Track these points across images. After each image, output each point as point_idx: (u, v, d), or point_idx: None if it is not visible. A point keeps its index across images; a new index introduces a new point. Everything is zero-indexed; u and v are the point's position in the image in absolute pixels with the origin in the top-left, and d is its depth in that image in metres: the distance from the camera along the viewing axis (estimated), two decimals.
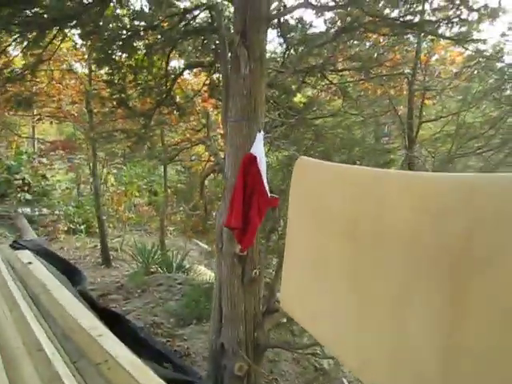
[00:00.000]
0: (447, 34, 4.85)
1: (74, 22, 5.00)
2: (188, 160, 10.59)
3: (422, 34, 5.04)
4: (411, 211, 1.53)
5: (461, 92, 6.48)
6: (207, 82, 6.67)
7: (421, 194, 1.52)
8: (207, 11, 5.67)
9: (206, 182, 10.10)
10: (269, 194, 3.33)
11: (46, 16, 4.24)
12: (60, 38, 6.38)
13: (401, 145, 6.20)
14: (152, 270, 8.32)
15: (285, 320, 4.53)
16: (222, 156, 5.01)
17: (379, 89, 7.05)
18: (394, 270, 1.58)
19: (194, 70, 7.53)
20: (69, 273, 5.14)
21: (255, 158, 3.29)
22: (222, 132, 8.53)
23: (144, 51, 6.19)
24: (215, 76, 6.35)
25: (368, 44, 6.34)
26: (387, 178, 1.83)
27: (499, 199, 1.28)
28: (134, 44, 6.05)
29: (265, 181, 3.30)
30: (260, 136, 3.33)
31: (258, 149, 3.32)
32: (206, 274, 9.34)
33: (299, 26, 5.57)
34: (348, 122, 6.59)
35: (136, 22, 5.85)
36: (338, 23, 5.63)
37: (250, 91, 3.75)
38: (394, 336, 1.57)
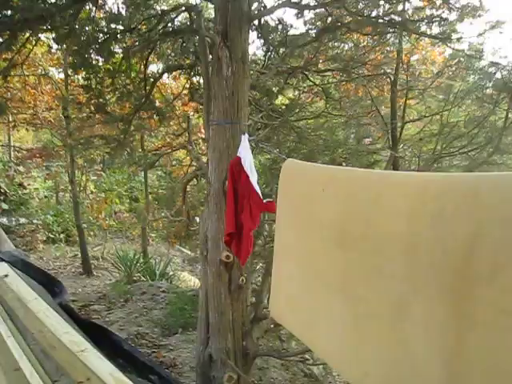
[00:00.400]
0: (428, 33, 4.84)
1: (48, 24, 4.84)
2: (169, 165, 10.41)
3: (404, 33, 5.00)
4: (408, 214, 1.43)
5: (443, 91, 6.49)
6: (187, 85, 6.56)
7: (418, 196, 1.42)
8: (186, 13, 5.58)
9: (188, 188, 9.96)
10: (262, 198, 3.22)
11: (16, 18, 4.06)
12: (33, 42, 6.21)
13: (384, 145, 6.17)
14: (135, 278, 8.12)
15: (272, 326, 4.41)
16: (205, 160, 4.90)
17: (361, 89, 7.03)
18: (391, 279, 1.49)
19: (174, 74, 7.38)
20: (48, 284, 4.94)
21: (242, 161, 3.19)
22: (203, 136, 8.42)
23: (122, 55, 6.05)
24: (195, 79, 6.24)
25: (349, 45, 6.31)
26: (381, 179, 1.74)
27: (506, 200, 1.20)
28: (111, 47, 5.92)
29: (255, 184, 3.19)
30: (245, 138, 3.23)
31: (244, 151, 3.21)
32: (190, 280, 9.20)
33: (280, 27, 5.50)
34: (331, 123, 6.55)
35: (113, 25, 5.71)
36: (319, 24, 5.59)
37: (233, 93, 3.65)
38: (394, 349, 1.48)
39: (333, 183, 2.02)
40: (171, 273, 8.97)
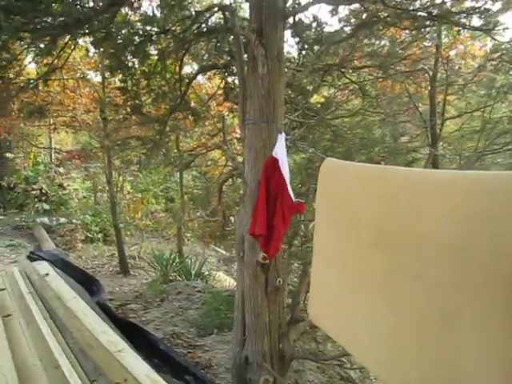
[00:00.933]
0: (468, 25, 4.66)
1: (85, 28, 4.93)
2: (204, 165, 10.46)
3: (444, 27, 4.83)
4: (456, 215, 1.34)
5: (484, 86, 6.24)
6: (222, 85, 6.56)
7: (468, 195, 1.33)
8: (220, 13, 5.57)
9: (224, 188, 9.98)
10: (293, 199, 3.17)
11: (55, 23, 4.14)
12: (72, 47, 6.35)
13: (423, 143, 5.98)
14: (170, 277, 8.20)
15: (308, 328, 4.35)
16: (240, 160, 4.87)
17: (398, 86, 6.85)
18: (436, 284, 1.39)
19: (208, 74, 7.41)
20: (87, 283, 5.05)
21: (277, 160, 3.14)
22: (238, 136, 8.41)
23: (157, 56, 6.11)
24: (230, 79, 6.23)
25: (386, 41, 6.16)
26: (425, 178, 1.65)
27: None
28: (147, 49, 5.98)
29: (288, 185, 3.14)
30: (281, 138, 3.17)
31: (280, 151, 3.16)
32: (225, 280, 9.22)
33: (314, 24, 5.42)
34: (367, 121, 6.41)
35: (148, 27, 5.77)
36: (353, 21, 5.47)
37: (269, 92, 3.60)
38: (439, 360, 1.39)
39: (373, 182, 1.94)
40: (206, 273, 9.01)
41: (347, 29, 5.39)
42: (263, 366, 3.61)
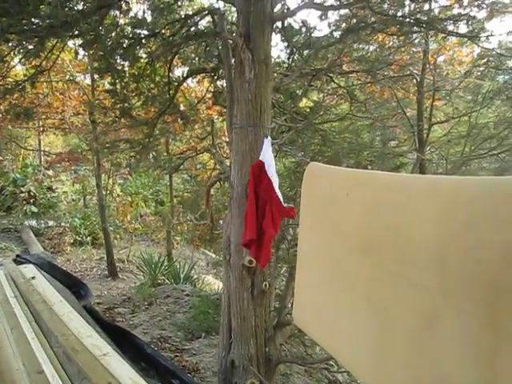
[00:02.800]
0: (455, 32, 4.72)
1: (73, 30, 4.91)
2: (194, 169, 10.45)
3: (431, 33, 4.88)
4: (438, 221, 1.36)
5: (471, 92, 6.32)
6: (211, 88, 6.57)
7: (449, 201, 1.34)
8: (209, 16, 5.59)
9: (213, 191, 9.97)
10: (283, 203, 3.17)
11: (43, 25, 4.13)
12: (60, 49, 6.33)
13: (410, 148, 6.03)
14: (159, 281, 8.17)
15: (296, 331, 4.35)
16: (228, 164, 4.88)
17: (386, 91, 6.91)
18: (419, 289, 1.41)
19: (198, 77, 7.41)
20: (74, 287, 5.01)
21: (264, 164, 3.15)
22: (227, 139, 8.42)
23: (146, 59, 6.11)
24: (219, 82, 6.25)
25: (374, 46, 6.21)
26: (409, 183, 1.67)
27: None
28: (136, 52, 5.98)
29: (277, 189, 3.14)
30: (267, 142, 3.18)
31: (267, 155, 3.17)
32: (214, 283, 9.20)
33: (303, 29, 5.46)
34: (355, 125, 6.45)
35: (137, 30, 5.77)
36: (343, 26, 5.52)
37: (256, 96, 3.61)
38: (422, 363, 1.41)
39: (358, 187, 1.95)
40: (195, 276, 8.99)
41: (336, 34, 5.43)
42: (249, 370, 3.61)
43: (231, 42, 4.26)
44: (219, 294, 7.08)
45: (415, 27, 4.15)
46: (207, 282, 9.18)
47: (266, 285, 3.72)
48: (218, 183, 5.54)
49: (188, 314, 6.27)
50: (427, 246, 1.39)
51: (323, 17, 5.46)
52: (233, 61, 4.25)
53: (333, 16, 5.53)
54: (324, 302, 2.17)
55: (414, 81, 6.06)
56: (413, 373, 1.45)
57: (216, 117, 7.77)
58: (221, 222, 7.80)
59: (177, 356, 5.05)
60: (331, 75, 5.10)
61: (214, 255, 12.14)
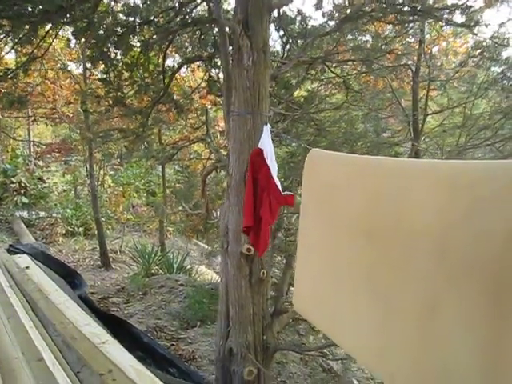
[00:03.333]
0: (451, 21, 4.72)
1: (67, 16, 4.84)
2: (186, 159, 10.40)
3: (427, 23, 4.88)
4: (440, 206, 1.34)
5: (465, 83, 6.34)
6: (205, 77, 6.52)
7: (449, 186, 1.33)
8: (204, 5, 5.54)
9: (207, 181, 9.93)
10: (281, 191, 3.17)
11: (37, 10, 4.06)
12: (53, 36, 6.24)
13: (405, 138, 6.05)
14: (153, 271, 8.15)
15: (291, 320, 4.37)
16: (224, 153, 4.85)
17: (381, 81, 6.91)
18: (421, 276, 1.40)
19: (192, 67, 7.35)
20: (68, 277, 4.99)
21: (263, 152, 3.13)
22: (221, 129, 8.38)
23: (140, 48, 6.05)
24: (214, 71, 6.20)
25: (369, 36, 6.20)
26: (411, 168, 1.65)
27: None
28: (129, 40, 5.92)
29: (275, 176, 3.14)
30: (266, 129, 3.17)
31: (266, 143, 3.16)
32: (207, 274, 9.21)
33: (298, 18, 5.43)
34: (350, 115, 6.45)
35: (131, 18, 5.70)
36: (337, 15, 5.49)
37: (254, 83, 3.59)
38: (423, 349, 1.40)
39: (359, 173, 1.94)
40: (189, 266, 8.97)
41: (331, 23, 5.41)
42: (247, 358, 3.62)
43: (228, 29, 4.22)
44: (213, 284, 7.10)
45: (413, 16, 4.14)
46: (200, 272, 9.18)
47: (263, 273, 3.72)
48: (213, 172, 5.52)
49: (183, 303, 6.28)
50: (429, 232, 1.37)
51: (318, 6, 5.45)
52: (230, 48, 4.22)
53: (328, 6, 5.52)
54: (325, 289, 2.17)
55: (409, 71, 6.07)
56: (416, 359, 1.45)
57: (210, 106, 7.71)
58: (214, 212, 7.79)
59: (173, 345, 5.06)
60: (328, 64, 5.07)
61: (206, 246, 12.14)
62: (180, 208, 11.57)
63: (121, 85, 6.35)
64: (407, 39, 6.33)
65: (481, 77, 6.16)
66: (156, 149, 8.60)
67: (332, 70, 5.52)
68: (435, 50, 6.87)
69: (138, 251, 8.91)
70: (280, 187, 3.07)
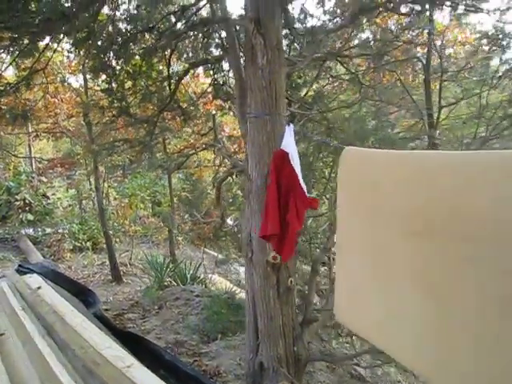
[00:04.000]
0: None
1: (68, 26, 4.69)
2: (193, 166, 10.22)
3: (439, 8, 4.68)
4: (500, 199, 1.24)
5: (477, 73, 6.17)
6: (210, 82, 6.35)
7: (502, 176, 1.24)
8: (207, 6, 5.39)
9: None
10: (306, 194, 2.99)
11: (39, 19, 3.90)
12: (53, 48, 6.11)
13: (419, 132, 5.86)
14: (166, 283, 7.94)
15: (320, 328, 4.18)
16: (239, 157, 4.69)
17: (388, 76, 6.75)
18: (492, 271, 1.27)
19: (196, 72, 7.18)
20: (81, 294, 4.79)
21: (287, 154, 2.96)
22: (227, 134, 8.21)
23: (142, 55, 5.91)
24: (219, 75, 6.03)
25: (377, 30, 6.05)
26: (461, 160, 1.53)
27: None
28: (131, 49, 5.79)
29: (301, 179, 2.96)
30: (289, 129, 2.99)
31: (289, 144, 2.98)
32: (220, 282, 9.01)
33: (302, 16, 5.27)
34: (361, 112, 6.29)
35: (132, 25, 5.57)
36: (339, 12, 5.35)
37: (270, 83, 3.42)
38: (499, 351, 1.26)
39: (406, 168, 1.82)
40: (202, 276, 8.77)
41: (335, 21, 5.26)
42: (279, 372, 3.43)
43: (237, 28, 4.07)
44: (230, 293, 6.90)
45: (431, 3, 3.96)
46: (214, 281, 8.99)
47: (291, 281, 3.53)
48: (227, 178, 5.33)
49: (200, 315, 6.07)
50: (496, 225, 1.27)
51: (320, 4, 5.31)
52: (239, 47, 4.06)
53: (328, 3, 5.36)
54: (372, 294, 2.02)
55: (418, 63, 5.90)
56: (486, 361, 1.31)
57: (214, 111, 7.54)
58: (227, 219, 7.62)
59: (196, 361, 4.84)
60: (341, 59, 4.90)
61: (215, 254, 12.01)
62: (187, 217, 11.44)
63: (124, 94, 6.21)
64: (415, 31, 6.17)
65: (493, 66, 6.00)
66: (162, 158, 8.45)
67: (341, 67, 5.34)
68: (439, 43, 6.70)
69: (149, 263, 8.70)
70: (305, 190, 2.90)
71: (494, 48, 5.93)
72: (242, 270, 11.78)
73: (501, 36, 5.61)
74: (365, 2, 3.91)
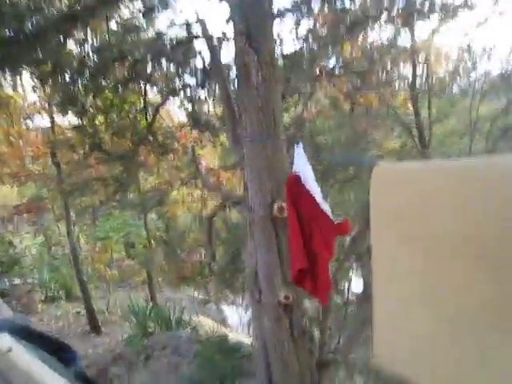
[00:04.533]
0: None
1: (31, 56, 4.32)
2: (170, 204, 9.69)
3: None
4: None
5: (460, 89, 6.11)
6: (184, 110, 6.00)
7: None
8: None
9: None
10: (332, 218, 2.62)
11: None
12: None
13: (412, 150, 5.67)
14: (150, 330, 7.32)
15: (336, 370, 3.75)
16: (226, 187, 4.32)
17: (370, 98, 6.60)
18: None
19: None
20: (58, 351, 4.25)
21: (299, 178, 2.61)
22: (205, 167, 7.81)
23: (113, 87, 5.58)
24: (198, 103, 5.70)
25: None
26: None
27: None
28: (101, 81, 5.47)
29: (323, 203, 2.59)
30: (299, 150, 2.65)
31: (301, 165, 2.63)
32: (206, 324, 8.45)
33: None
34: (348, 133, 6.08)
35: (101, 56, 5.24)
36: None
37: (267, 102, 3.09)
38: None
39: (466, 181, 1.46)
40: (186, 319, 8.16)
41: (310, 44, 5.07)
42: None
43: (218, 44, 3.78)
44: (220, 336, 6.39)
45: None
46: (200, 323, 8.41)
47: (306, 323, 3.12)
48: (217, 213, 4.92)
49: (193, 364, 5.51)
50: None
51: (297, 25, 5.12)
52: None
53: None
54: (421, 335, 1.63)
55: (406, 81, 5.77)
56: None
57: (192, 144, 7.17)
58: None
59: None
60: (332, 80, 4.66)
61: (195, 294, 11.50)
62: (165, 257, 10.89)
63: (96, 129, 5.82)
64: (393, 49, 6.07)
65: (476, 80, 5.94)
66: (137, 196, 8.00)
67: (334, 84, 5.12)
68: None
69: (130, 309, 8.05)
70: (331, 214, 2.53)
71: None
72: (226, 308, 11.27)
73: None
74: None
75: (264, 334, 3.14)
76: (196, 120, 5.85)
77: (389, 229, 1.90)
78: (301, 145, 2.63)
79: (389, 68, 5.88)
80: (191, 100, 5.60)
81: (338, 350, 3.74)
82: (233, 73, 4.00)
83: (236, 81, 3.41)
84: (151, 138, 5.81)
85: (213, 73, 3.79)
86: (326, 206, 2.49)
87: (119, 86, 5.55)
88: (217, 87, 4.54)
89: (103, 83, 5.57)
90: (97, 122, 5.89)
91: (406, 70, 5.85)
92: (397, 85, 6.29)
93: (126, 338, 7.15)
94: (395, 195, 1.86)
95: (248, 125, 3.15)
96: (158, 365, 5.64)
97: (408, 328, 1.76)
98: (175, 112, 7.77)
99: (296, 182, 2.57)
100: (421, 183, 1.74)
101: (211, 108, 5.62)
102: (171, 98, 5.65)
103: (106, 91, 5.70)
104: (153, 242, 10.62)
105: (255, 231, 3.14)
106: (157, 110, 5.21)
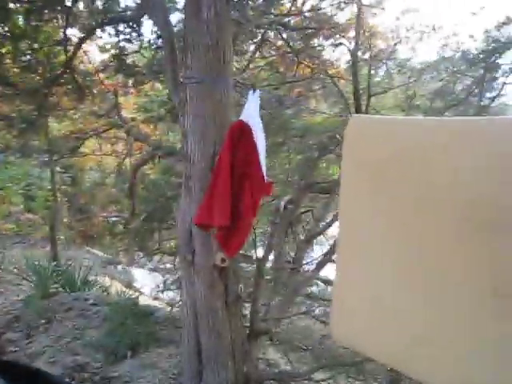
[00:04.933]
0: None
1: None
2: (78, 154, 8.87)
3: None
4: None
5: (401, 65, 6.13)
6: (113, 51, 5.38)
7: None
8: None
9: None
10: (265, 178, 2.39)
11: None
12: None
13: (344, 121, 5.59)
14: (52, 290, 6.68)
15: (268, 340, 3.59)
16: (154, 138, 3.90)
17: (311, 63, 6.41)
18: None
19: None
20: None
21: (248, 127, 2.32)
22: (130, 116, 7.19)
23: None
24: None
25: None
26: None
27: None
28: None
29: (262, 159, 2.34)
30: (254, 96, 2.35)
31: (252, 114, 2.34)
32: (113, 286, 7.95)
33: None
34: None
35: None
36: None
37: (217, 41, 2.72)
38: None
39: (455, 139, 1.33)
40: (92, 279, 7.61)
41: None
42: None
43: None
44: (132, 299, 6.00)
45: None
46: (106, 284, 7.91)
47: (241, 288, 2.88)
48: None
49: (102, 328, 5.07)
50: None
51: None
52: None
53: None
54: (391, 301, 1.53)
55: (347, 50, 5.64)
56: None
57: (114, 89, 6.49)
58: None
59: None
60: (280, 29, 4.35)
61: (100, 253, 10.93)
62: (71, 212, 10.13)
63: (2, 60, 5.05)
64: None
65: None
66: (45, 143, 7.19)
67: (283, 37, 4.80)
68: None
69: (30, 267, 7.29)
70: (265, 173, 2.30)
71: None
72: (132, 270, 10.77)
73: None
74: None
75: (195, 300, 2.84)
76: (121, 62, 5.29)
77: (362, 183, 1.70)
78: (257, 92, 2.33)
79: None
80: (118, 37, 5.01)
81: (269, 320, 3.57)
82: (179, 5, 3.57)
83: (184, 14, 2.98)
84: (68, 78, 5.15)
85: (153, 4, 3.30)
86: (263, 165, 2.28)
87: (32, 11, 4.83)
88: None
89: (11, 5, 4.85)
90: (3, 51, 5.10)
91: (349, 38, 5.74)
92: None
93: (25, 298, 6.44)
94: (374, 149, 1.66)
95: (194, 64, 2.76)
96: (62, 329, 5.12)
97: (371, 291, 1.62)
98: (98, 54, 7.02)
99: (241, 130, 2.29)
100: (404, 138, 1.55)
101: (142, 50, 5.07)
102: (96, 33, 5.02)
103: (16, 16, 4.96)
104: (58, 195, 9.77)
105: (193, 186, 2.80)
106: (79, 44, 4.56)
